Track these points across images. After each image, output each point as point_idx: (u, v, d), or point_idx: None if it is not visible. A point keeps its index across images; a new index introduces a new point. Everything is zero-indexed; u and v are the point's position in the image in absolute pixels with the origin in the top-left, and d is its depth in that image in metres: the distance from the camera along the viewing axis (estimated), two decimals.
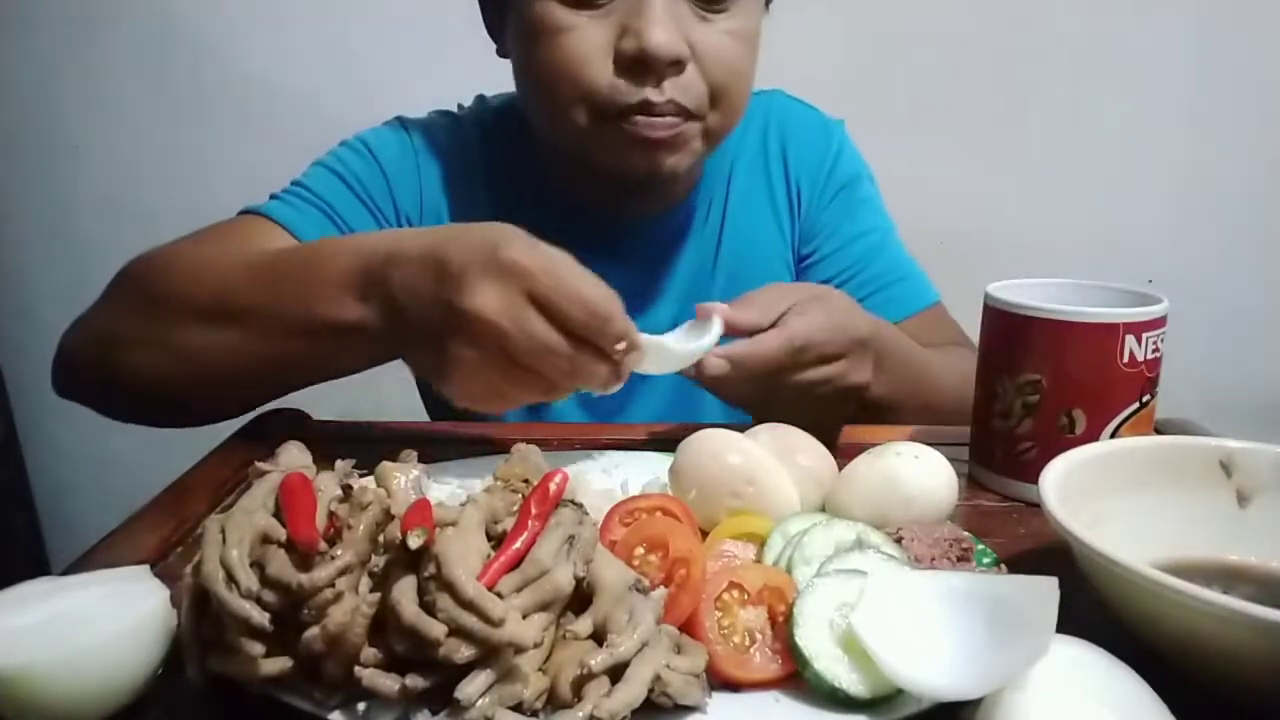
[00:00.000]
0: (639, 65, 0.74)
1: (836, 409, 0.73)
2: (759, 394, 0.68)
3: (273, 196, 0.86)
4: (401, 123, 0.93)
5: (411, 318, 0.60)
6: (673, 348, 0.64)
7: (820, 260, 0.96)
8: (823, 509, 0.58)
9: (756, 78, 0.87)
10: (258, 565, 0.41)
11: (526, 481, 0.49)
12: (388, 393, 1.61)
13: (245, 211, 0.83)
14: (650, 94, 0.75)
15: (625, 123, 0.76)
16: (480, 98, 0.98)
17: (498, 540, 0.44)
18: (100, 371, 0.76)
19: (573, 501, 0.46)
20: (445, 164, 0.91)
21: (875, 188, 1.01)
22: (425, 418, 1.02)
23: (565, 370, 0.57)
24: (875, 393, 0.74)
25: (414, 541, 0.39)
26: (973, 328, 0.69)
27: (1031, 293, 0.65)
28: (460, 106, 0.97)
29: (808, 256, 0.97)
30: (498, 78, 0.99)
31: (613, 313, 0.58)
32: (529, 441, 0.58)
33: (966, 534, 0.52)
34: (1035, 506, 0.52)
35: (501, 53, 0.87)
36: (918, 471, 0.56)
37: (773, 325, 0.67)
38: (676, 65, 0.75)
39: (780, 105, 0.99)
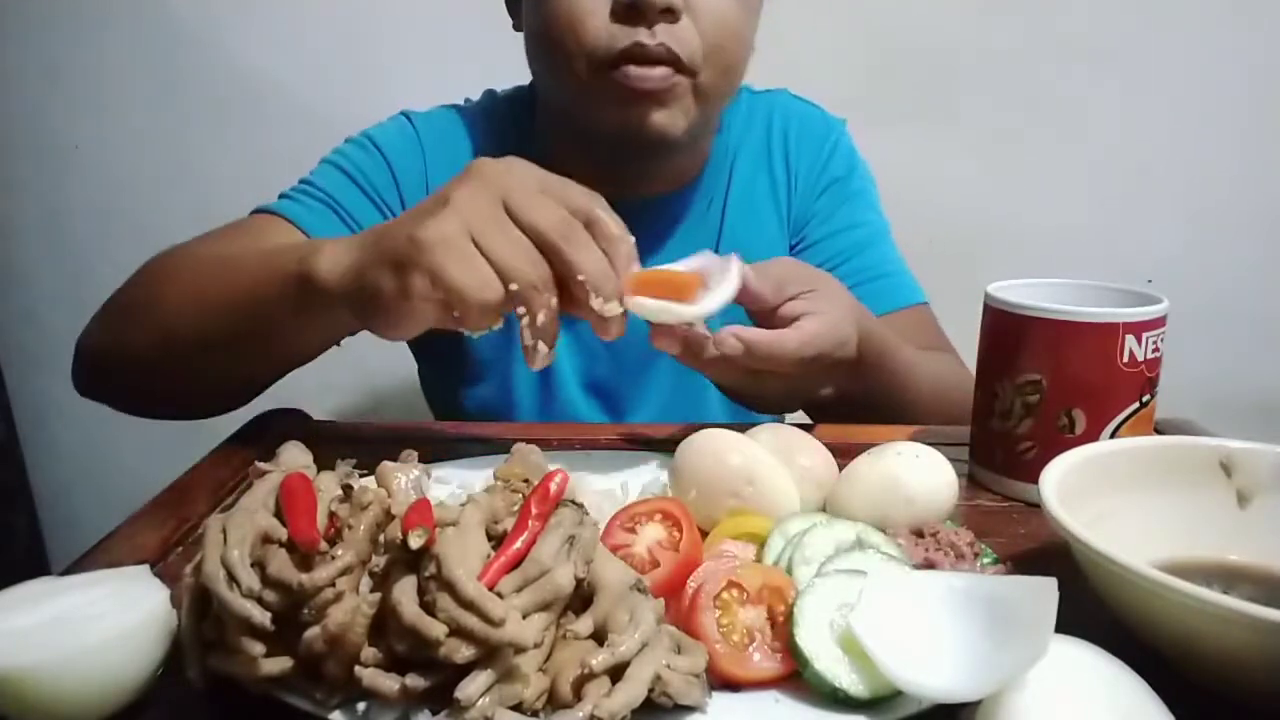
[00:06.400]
0: (632, 11, 0.77)
1: (797, 401, 0.76)
2: (747, 378, 0.68)
3: (282, 195, 0.87)
4: (406, 115, 0.95)
5: (381, 244, 0.59)
6: (679, 310, 0.61)
7: (807, 248, 0.97)
8: (823, 509, 0.58)
9: (763, 78, 0.86)
10: (258, 565, 0.41)
11: (526, 481, 0.49)
12: (388, 393, 1.62)
13: (257, 211, 0.86)
14: (642, 36, 0.77)
15: (618, 73, 0.78)
16: (489, 91, 1.00)
17: (498, 540, 0.44)
18: (109, 364, 0.80)
19: (573, 501, 0.47)
20: (452, 153, 0.92)
21: (871, 185, 1.01)
22: (425, 418, 1.02)
23: (527, 277, 0.56)
24: (850, 392, 0.75)
25: (414, 541, 0.39)
26: (973, 328, 0.69)
27: (1031, 293, 0.66)
28: (467, 100, 0.99)
29: (796, 245, 0.98)
30: (500, 78, 1.00)
31: (584, 229, 0.58)
32: (529, 441, 0.58)
33: (969, 534, 0.52)
34: (1035, 506, 0.53)
35: (517, 27, 0.89)
36: (918, 471, 0.56)
37: (782, 305, 0.67)
38: (669, 13, 0.78)
39: (784, 102, 1.01)
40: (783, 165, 0.98)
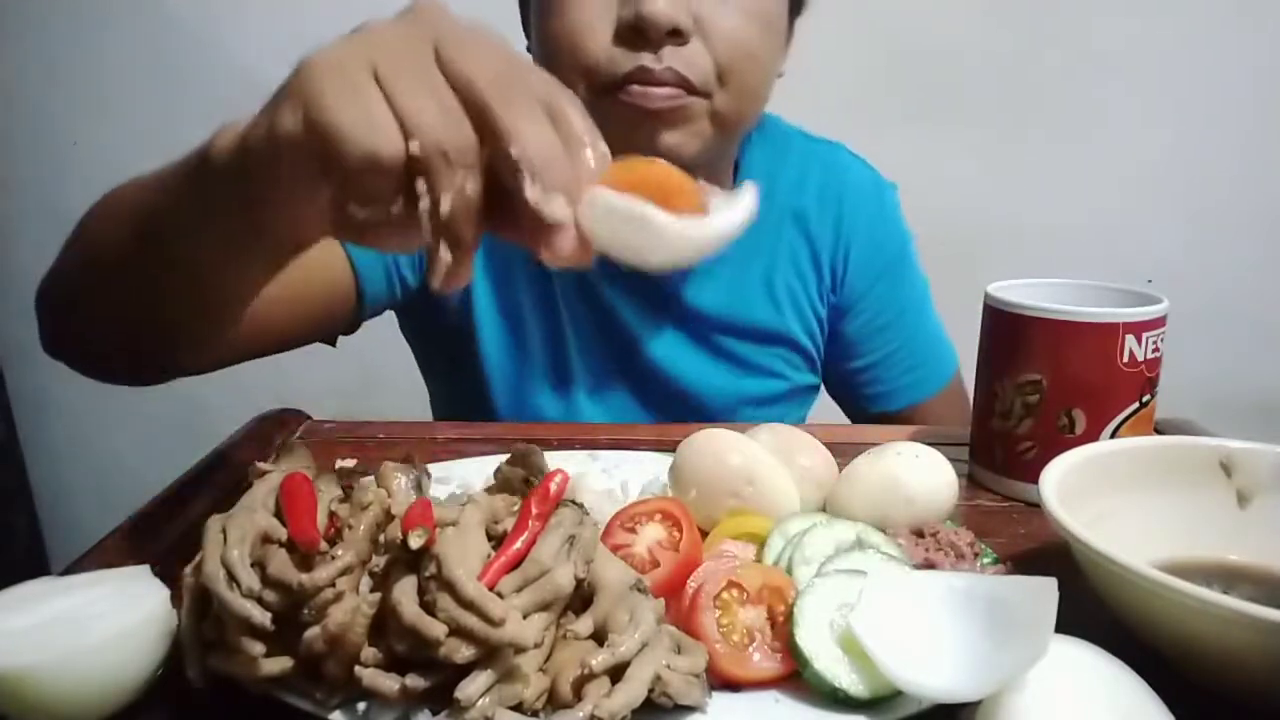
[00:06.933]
0: (636, 33, 0.72)
1: None
2: None
3: None
4: None
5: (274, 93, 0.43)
6: (663, 223, 0.42)
7: (860, 338, 0.96)
8: (823, 509, 0.58)
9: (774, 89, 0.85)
10: (258, 565, 0.41)
11: (527, 481, 0.49)
12: (388, 393, 1.62)
13: None
14: (647, 61, 0.72)
15: (622, 94, 0.74)
16: None
17: (498, 540, 0.44)
18: (54, 309, 0.73)
19: (573, 501, 0.47)
20: None
21: (913, 247, 1.00)
22: (425, 418, 1.02)
23: (432, 146, 0.39)
24: None
25: (415, 541, 0.39)
26: (973, 328, 0.69)
27: (1031, 293, 0.66)
28: None
29: (846, 317, 0.96)
30: None
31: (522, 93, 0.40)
32: (529, 441, 0.58)
33: (969, 534, 0.52)
34: (1035, 506, 0.53)
35: (529, 48, 0.85)
36: (918, 471, 0.56)
37: None
38: (677, 36, 0.72)
39: (843, 162, 0.98)
40: (832, 229, 0.94)
